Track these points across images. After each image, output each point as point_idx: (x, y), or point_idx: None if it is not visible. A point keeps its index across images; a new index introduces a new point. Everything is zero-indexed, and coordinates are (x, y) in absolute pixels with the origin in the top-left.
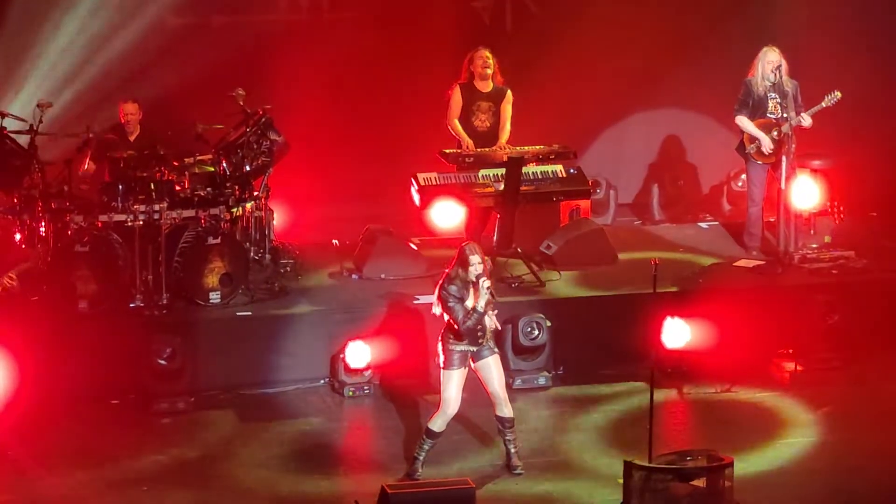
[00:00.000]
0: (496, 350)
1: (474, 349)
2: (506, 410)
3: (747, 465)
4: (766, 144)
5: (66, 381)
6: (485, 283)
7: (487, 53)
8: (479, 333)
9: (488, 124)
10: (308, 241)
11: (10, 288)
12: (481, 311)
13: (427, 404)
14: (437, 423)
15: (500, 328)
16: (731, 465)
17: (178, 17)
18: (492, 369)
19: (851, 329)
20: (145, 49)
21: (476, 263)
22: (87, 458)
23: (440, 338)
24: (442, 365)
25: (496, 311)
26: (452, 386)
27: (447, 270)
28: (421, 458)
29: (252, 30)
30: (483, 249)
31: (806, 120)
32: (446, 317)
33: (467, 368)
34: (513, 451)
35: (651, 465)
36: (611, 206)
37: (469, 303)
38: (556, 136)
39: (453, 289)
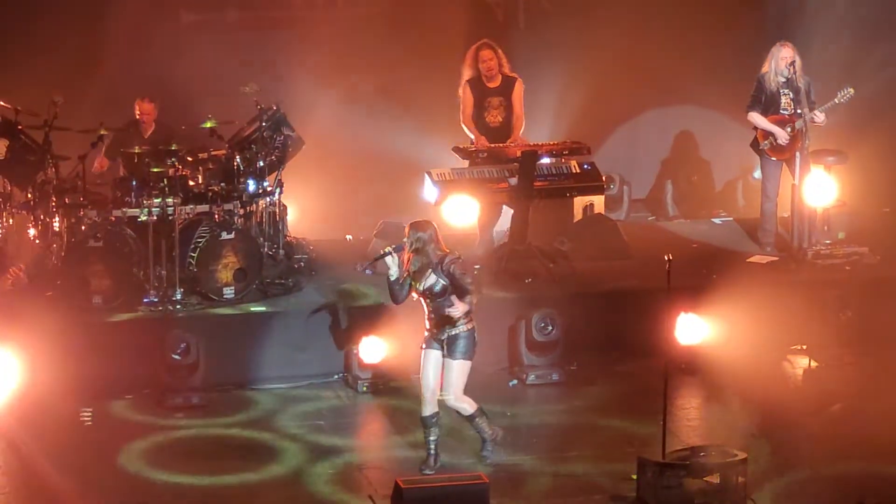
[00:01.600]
0: (465, 355)
1: (433, 333)
2: (460, 407)
3: (758, 461)
4: (782, 136)
5: (80, 377)
6: (385, 249)
7: (489, 53)
8: (431, 317)
9: (500, 119)
10: (322, 236)
11: (19, 279)
12: (392, 278)
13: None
14: (424, 409)
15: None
16: (745, 460)
17: (192, 13)
18: (450, 370)
19: (865, 325)
20: (160, 44)
21: (406, 236)
22: (100, 452)
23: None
24: (421, 346)
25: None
26: (426, 365)
27: None
28: (430, 451)
29: (266, 25)
30: (494, 245)
31: (819, 117)
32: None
33: (440, 353)
34: (431, 451)
35: (664, 460)
36: (625, 201)
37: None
38: (570, 131)
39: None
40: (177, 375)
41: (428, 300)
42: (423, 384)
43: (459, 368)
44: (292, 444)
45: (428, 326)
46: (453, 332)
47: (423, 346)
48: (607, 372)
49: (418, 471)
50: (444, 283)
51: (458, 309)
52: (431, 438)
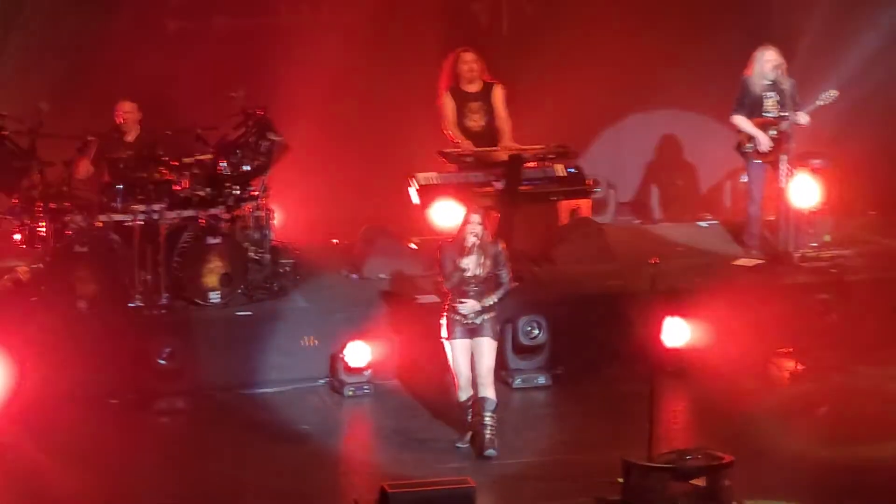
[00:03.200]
0: (494, 335)
1: (469, 321)
2: (488, 392)
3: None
4: (764, 142)
5: (66, 382)
6: (470, 233)
7: (473, 55)
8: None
9: (482, 123)
10: (307, 240)
11: (17, 281)
12: (464, 269)
13: (427, 404)
14: (461, 395)
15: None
16: (730, 463)
17: (177, 20)
18: (483, 350)
19: (850, 328)
20: (146, 50)
21: (475, 223)
22: (86, 457)
23: (442, 309)
24: (444, 336)
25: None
26: (457, 356)
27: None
28: (483, 427)
29: (251, 32)
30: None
31: (803, 118)
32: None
33: (469, 340)
34: (487, 435)
35: (651, 464)
36: (610, 205)
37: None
38: (556, 135)
39: (448, 248)
40: (162, 380)
41: (471, 286)
42: (457, 371)
43: (494, 346)
44: (277, 448)
45: (460, 314)
46: (487, 317)
47: (448, 336)
48: (593, 375)
49: (452, 445)
50: (489, 269)
51: (497, 295)
52: (481, 417)
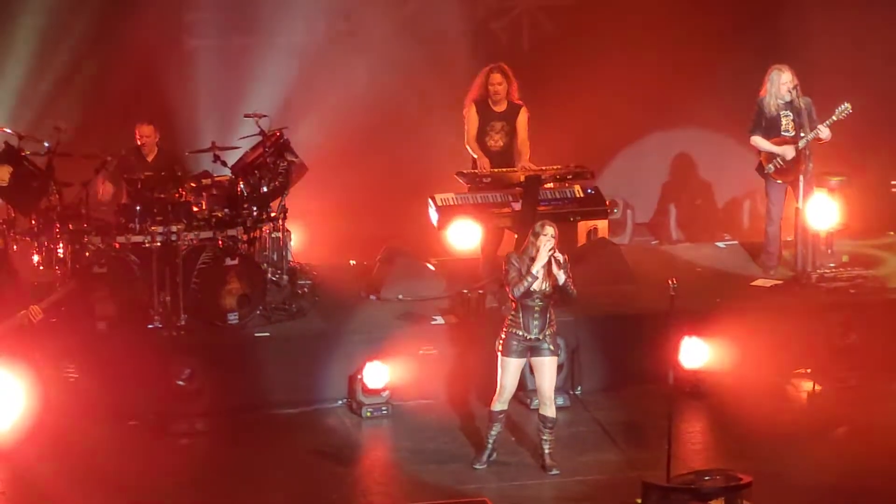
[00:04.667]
0: (556, 351)
1: (532, 337)
2: (549, 410)
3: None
4: (789, 152)
5: (85, 402)
6: (546, 244)
7: (500, 77)
8: (535, 322)
9: (501, 144)
10: (325, 261)
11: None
12: (536, 274)
13: (445, 425)
14: (496, 405)
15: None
16: (749, 484)
17: (196, 38)
18: (545, 369)
19: (869, 348)
20: (164, 70)
21: (548, 235)
22: (106, 478)
23: (504, 324)
24: (500, 350)
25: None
26: (508, 374)
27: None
28: (489, 444)
29: (270, 51)
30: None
31: (823, 131)
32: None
33: (526, 360)
34: (547, 451)
35: (669, 484)
36: (628, 225)
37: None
38: (573, 156)
39: (514, 258)
40: (181, 401)
41: (538, 300)
42: (502, 384)
43: (555, 364)
44: (296, 469)
45: (521, 329)
46: (549, 332)
47: (504, 352)
48: (612, 396)
49: (470, 466)
50: (555, 282)
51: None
52: (493, 433)
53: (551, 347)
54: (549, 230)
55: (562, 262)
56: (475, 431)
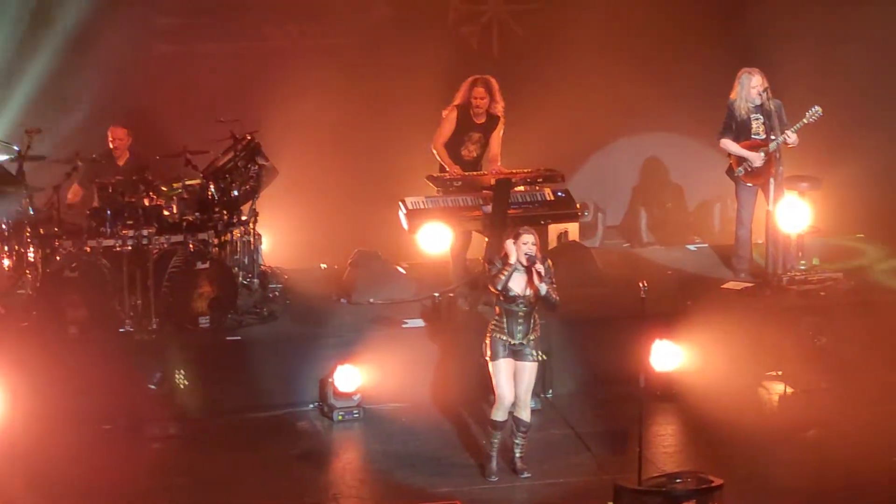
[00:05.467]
0: (538, 358)
1: (515, 342)
2: (524, 414)
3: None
4: (756, 159)
5: (57, 407)
6: (525, 250)
7: (483, 91)
8: (519, 328)
9: (475, 155)
10: (296, 265)
11: None
12: (514, 265)
13: (417, 428)
14: (498, 414)
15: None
16: (720, 487)
17: (166, 44)
18: (525, 374)
19: (839, 350)
20: (134, 74)
21: (528, 243)
22: (78, 483)
23: (487, 330)
24: (488, 356)
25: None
26: (501, 377)
27: None
28: (493, 453)
29: (240, 56)
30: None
31: (791, 137)
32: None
33: (513, 360)
34: (518, 454)
35: (641, 487)
36: (599, 228)
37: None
38: (544, 159)
39: (496, 259)
40: (154, 405)
41: (521, 306)
42: (500, 393)
43: (535, 370)
44: (268, 473)
45: (505, 335)
46: (533, 338)
47: (492, 357)
48: (583, 399)
49: (485, 478)
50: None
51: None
52: (495, 442)
53: (534, 353)
54: (529, 238)
55: (544, 272)
56: (446, 434)
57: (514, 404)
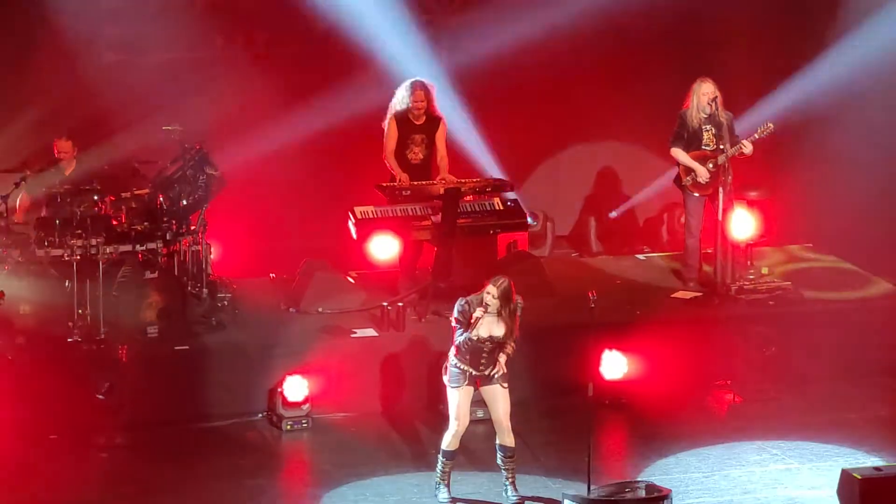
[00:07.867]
0: (505, 385)
1: (475, 373)
2: (507, 440)
3: (683, 497)
4: (703, 174)
5: (4, 417)
6: (477, 312)
7: (421, 94)
8: (483, 361)
9: (421, 157)
10: (245, 275)
11: None
12: (473, 338)
13: (366, 438)
14: (446, 442)
15: (504, 371)
16: (669, 496)
17: (114, 52)
18: (498, 397)
19: (788, 360)
20: (82, 83)
21: (489, 293)
22: (25, 493)
23: (449, 353)
24: (446, 380)
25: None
26: (455, 403)
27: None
28: (443, 480)
29: (189, 65)
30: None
31: (747, 146)
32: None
33: (473, 388)
34: (508, 481)
35: (590, 496)
36: (548, 238)
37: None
38: (494, 167)
39: (462, 305)
40: (102, 415)
41: (486, 343)
42: (459, 421)
43: (506, 393)
44: (216, 483)
45: (469, 367)
46: (496, 370)
47: (454, 383)
48: (532, 408)
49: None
50: (505, 334)
51: (508, 350)
52: (443, 470)
53: (501, 381)
54: (493, 290)
55: (508, 316)
56: (395, 444)
57: (497, 432)
